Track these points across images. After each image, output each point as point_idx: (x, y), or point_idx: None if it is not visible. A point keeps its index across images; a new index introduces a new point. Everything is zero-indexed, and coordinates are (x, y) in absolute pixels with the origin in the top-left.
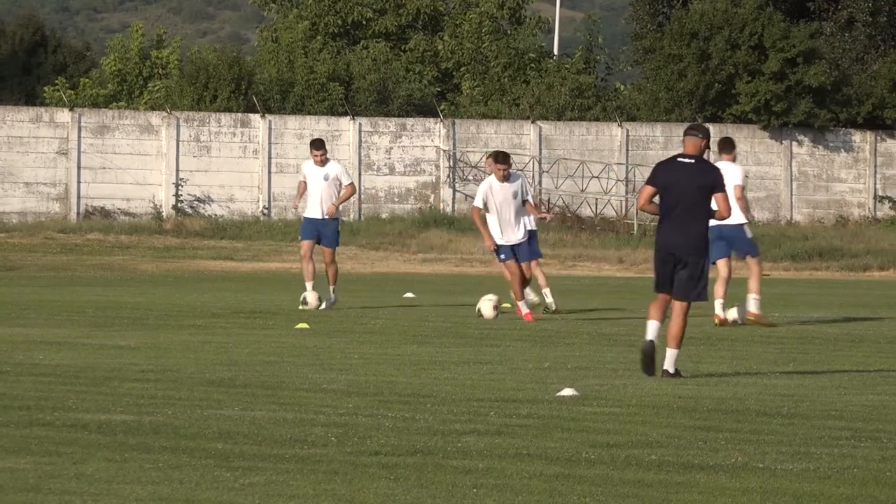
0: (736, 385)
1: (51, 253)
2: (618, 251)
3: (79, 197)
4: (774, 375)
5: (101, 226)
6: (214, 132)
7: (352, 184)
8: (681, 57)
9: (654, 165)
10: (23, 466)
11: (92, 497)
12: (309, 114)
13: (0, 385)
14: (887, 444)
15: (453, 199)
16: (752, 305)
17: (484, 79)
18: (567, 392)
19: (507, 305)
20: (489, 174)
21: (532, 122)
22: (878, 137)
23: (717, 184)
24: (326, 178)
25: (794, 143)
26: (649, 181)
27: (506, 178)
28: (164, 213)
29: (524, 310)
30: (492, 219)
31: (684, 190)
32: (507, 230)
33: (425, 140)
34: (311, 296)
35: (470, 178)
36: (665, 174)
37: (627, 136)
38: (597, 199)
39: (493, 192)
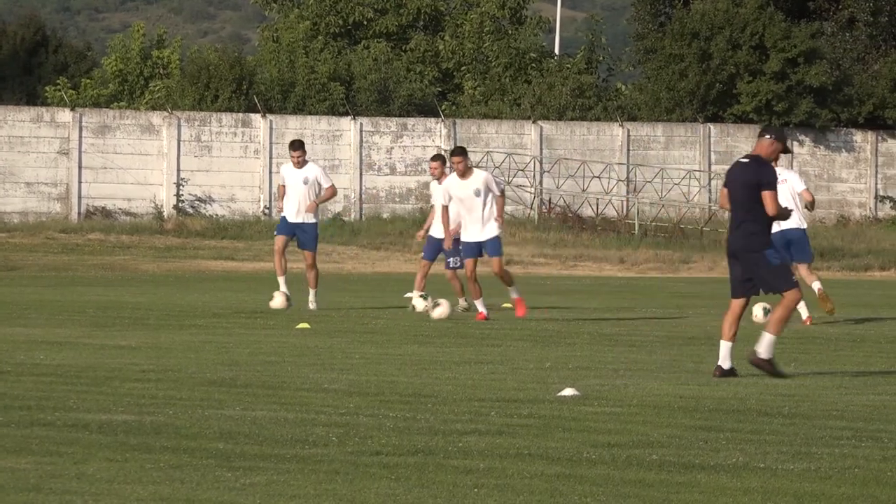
0: (737, 385)
1: (52, 253)
2: (619, 251)
3: (80, 197)
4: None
5: (103, 226)
6: (215, 132)
7: (332, 186)
8: (682, 57)
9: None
10: (24, 466)
11: (93, 497)
12: (310, 114)
13: (1, 385)
14: (888, 444)
15: None
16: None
17: (485, 79)
18: (568, 392)
19: (508, 305)
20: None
21: (533, 122)
22: (880, 137)
23: (762, 182)
24: (306, 182)
25: (795, 143)
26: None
27: (463, 173)
28: (166, 213)
29: (482, 307)
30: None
31: (736, 189)
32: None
33: (426, 140)
34: (277, 295)
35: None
36: (728, 175)
37: (628, 136)
38: (598, 198)
39: (453, 189)
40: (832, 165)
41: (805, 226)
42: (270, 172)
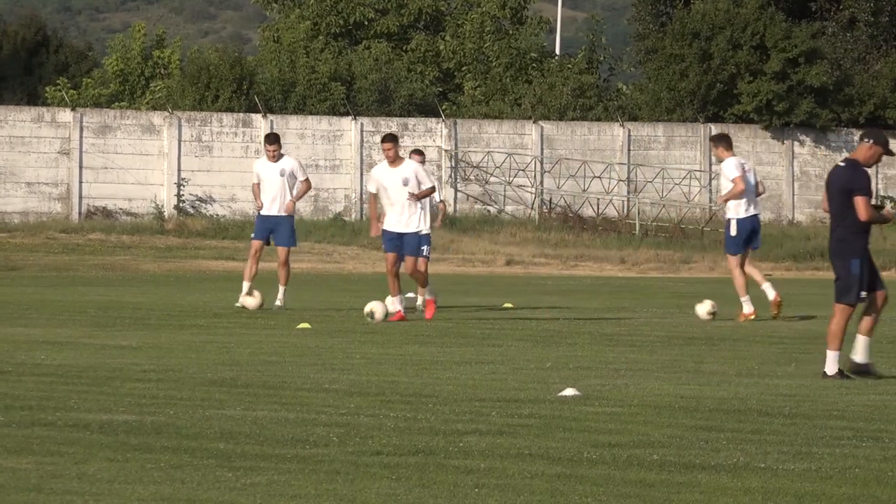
0: (737, 385)
1: (52, 253)
2: (620, 251)
3: (80, 197)
4: (776, 375)
5: (103, 226)
6: (216, 132)
7: (307, 180)
8: (683, 57)
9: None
10: (25, 466)
11: (94, 497)
12: (311, 114)
13: (2, 385)
14: (889, 444)
15: (455, 199)
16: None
17: (486, 79)
18: (569, 392)
19: (509, 305)
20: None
21: (534, 122)
22: None
23: (854, 187)
24: (283, 174)
25: (796, 143)
26: None
27: (394, 161)
28: (166, 213)
29: (394, 307)
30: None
31: (832, 193)
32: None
33: (427, 140)
34: (248, 300)
35: (472, 177)
36: (826, 178)
37: (629, 136)
38: (598, 199)
39: (381, 176)
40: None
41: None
42: None
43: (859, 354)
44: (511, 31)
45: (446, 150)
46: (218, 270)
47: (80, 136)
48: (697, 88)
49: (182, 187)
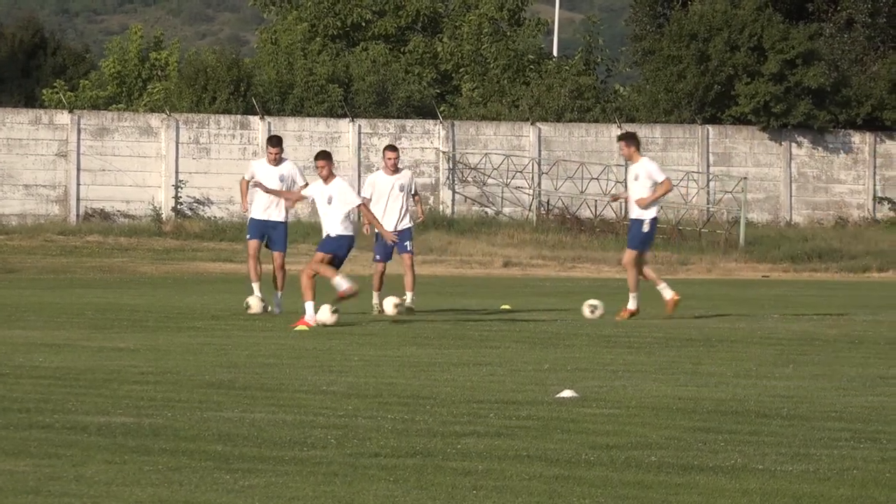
0: (735, 386)
1: (50, 255)
2: (617, 253)
3: (78, 199)
4: (774, 377)
5: (101, 228)
6: (214, 134)
7: (307, 184)
8: (680, 58)
9: None
10: (22, 469)
11: (91, 499)
12: (308, 115)
13: (0, 388)
14: (887, 446)
15: (453, 200)
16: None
17: (483, 80)
18: (567, 394)
19: (507, 307)
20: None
21: (531, 124)
22: (878, 139)
23: None
24: (282, 179)
25: (794, 145)
26: None
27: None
28: (164, 215)
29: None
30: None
31: None
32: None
33: (424, 142)
34: (254, 301)
35: (469, 179)
36: None
37: None
38: (596, 200)
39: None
40: (830, 167)
41: (636, 216)
42: None
43: None
44: (509, 33)
45: (444, 152)
46: (216, 272)
47: (78, 139)
48: (695, 90)
49: (180, 189)
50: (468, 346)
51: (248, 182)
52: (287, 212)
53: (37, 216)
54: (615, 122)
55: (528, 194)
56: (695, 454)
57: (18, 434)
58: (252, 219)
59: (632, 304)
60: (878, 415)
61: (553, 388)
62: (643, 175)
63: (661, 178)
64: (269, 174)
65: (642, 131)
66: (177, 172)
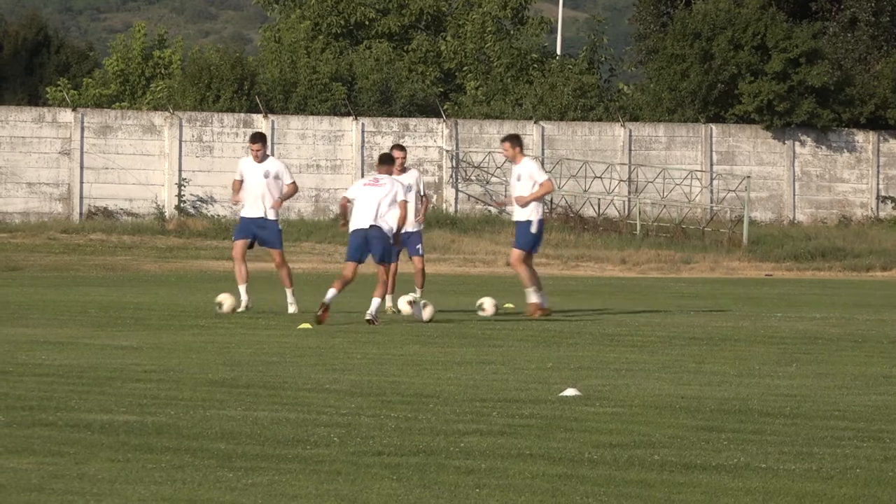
0: (738, 385)
1: (53, 253)
2: (620, 251)
3: (81, 197)
4: (777, 376)
5: (104, 226)
6: (217, 132)
7: (294, 183)
8: (684, 57)
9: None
10: (26, 466)
11: (95, 497)
12: (312, 114)
13: (3, 385)
14: (890, 445)
15: (456, 199)
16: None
17: (487, 79)
18: (570, 392)
19: (510, 306)
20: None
21: (535, 123)
22: (881, 138)
23: None
24: (266, 176)
25: (797, 143)
26: None
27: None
28: (167, 214)
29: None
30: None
31: None
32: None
33: (428, 140)
34: (225, 298)
35: (473, 178)
36: None
37: (630, 136)
38: (599, 199)
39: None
40: (834, 166)
41: (522, 217)
42: None
43: None
44: (512, 32)
45: (447, 151)
46: (219, 271)
47: (81, 137)
48: (698, 89)
49: (183, 187)
50: (471, 345)
51: (240, 182)
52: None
53: (40, 214)
54: (619, 121)
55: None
56: (698, 453)
57: (22, 432)
58: (242, 217)
59: (534, 299)
60: (881, 414)
61: (556, 386)
62: (525, 175)
63: (541, 178)
64: (254, 171)
65: (646, 130)
66: (180, 171)
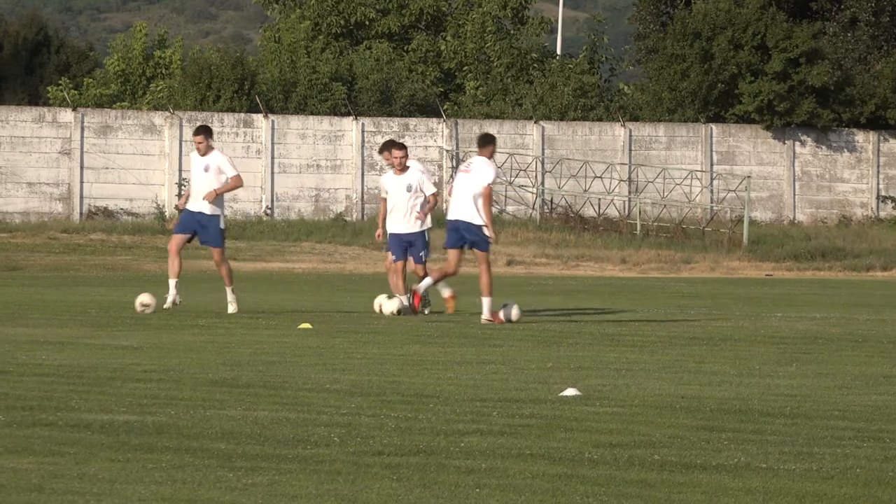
0: (738, 385)
1: (54, 253)
2: (620, 251)
3: (82, 197)
4: (777, 375)
5: (104, 226)
6: (217, 132)
7: (238, 176)
8: (684, 57)
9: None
10: (25, 466)
11: (95, 497)
12: (312, 114)
13: (3, 385)
14: (890, 445)
15: None
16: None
17: (487, 79)
18: (570, 392)
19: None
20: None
21: (535, 123)
22: (881, 137)
23: None
24: (206, 170)
25: (797, 143)
26: None
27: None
28: (167, 213)
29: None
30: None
31: None
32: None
33: (428, 140)
34: (145, 297)
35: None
36: None
37: (630, 136)
38: (600, 199)
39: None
40: (834, 165)
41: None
42: (272, 173)
43: None
44: (512, 32)
45: (447, 150)
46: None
47: (82, 137)
48: (699, 88)
49: (183, 187)
50: (471, 345)
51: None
52: (220, 205)
53: (40, 214)
54: (619, 121)
55: (532, 193)
56: (698, 453)
57: (22, 432)
58: (185, 211)
59: (446, 293)
60: (881, 413)
61: (556, 386)
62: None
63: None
64: (195, 165)
65: (646, 130)
66: (180, 170)
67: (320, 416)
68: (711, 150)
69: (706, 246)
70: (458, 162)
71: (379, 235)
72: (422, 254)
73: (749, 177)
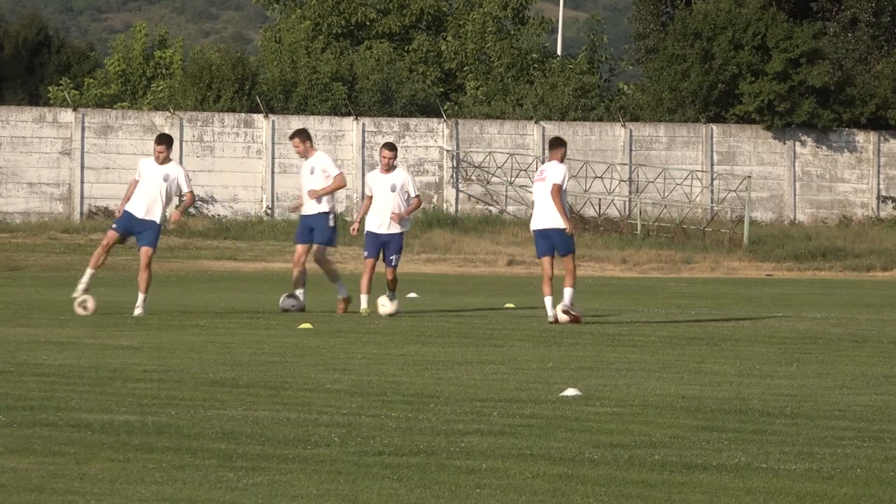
0: (739, 385)
1: (54, 253)
2: (621, 251)
3: (82, 197)
4: (777, 375)
5: (105, 226)
6: (218, 132)
7: (192, 192)
8: (684, 57)
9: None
10: (26, 466)
11: (95, 497)
12: (312, 114)
13: (4, 385)
14: (890, 445)
15: (456, 199)
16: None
17: (487, 79)
18: (570, 392)
19: (511, 306)
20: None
21: (535, 123)
22: (882, 138)
23: None
24: (166, 179)
25: (798, 144)
26: None
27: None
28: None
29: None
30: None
31: None
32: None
33: (428, 140)
34: (88, 296)
35: (473, 178)
36: None
37: (631, 136)
38: (600, 199)
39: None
40: (834, 166)
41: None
42: (273, 173)
43: None
44: (513, 32)
45: (448, 151)
46: (219, 271)
47: (82, 137)
48: (699, 89)
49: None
50: (472, 345)
51: (136, 181)
52: (162, 213)
53: (41, 214)
54: (619, 121)
55: (532, 193)
56: (698, 453)
57: (22, 432)
58: (125, 212)
59: (342, 293)
60: (881, 413)
61: (557, 386)
62: (317, 169)
63: (334, 172)
64: (153, 172)
65: (646, 130)
66: None
67: (321, 417)
68: (712, 151)
69: (707, 246)
70: (459, 162)
71: (354, 230)
72: (393, 257)
73: (749, 177)
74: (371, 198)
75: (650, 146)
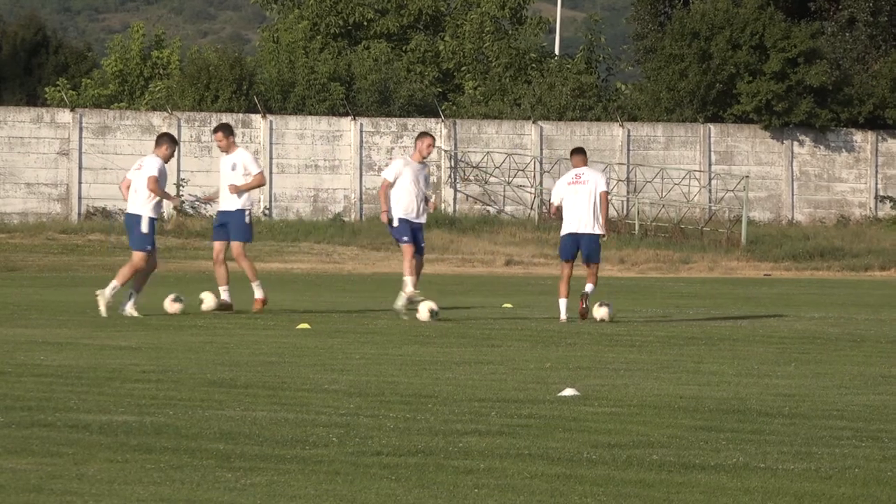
0: (737, 385)
1: (52, 253)
2: (619, 251)
3: (80, 197)
4: (775, 375)
5: (103, 226)
6: None
7: (261, 173)
8: (682, 57)
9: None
10: (24, 467)
11: (93, 497)
12: (310, 114)
13: (2, 385)
14: (888, 444)
15: (454, 199)
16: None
17: (485, 79)
18: (568, 392)
19: (509, 306)
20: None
21: (533, 123)
22: (880, 137)
23: None
24: (234, 168)
25: (796, 143)
26: None
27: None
28: (166, 214)
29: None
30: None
31: None
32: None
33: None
34: (169, 302)
35: (471, 178)
36: None
37: (629, 136)
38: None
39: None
40: (832, 165)
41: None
42: (271, 173)
43: None
44: (510, 32)
45: (446, 151)
46: None
47: (80, 137)
48: (697, 88)
49: (181, 188)
50: (470, 345)
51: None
52: (148, 207)
53: (39, 214)
54: (617, 121)
55: (530, 193)
56: (696, 453)
57: (20, 432)
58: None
59: (259, 294)
60: (879, 413)
61: (555, 386)
62: (238, 166)
63: (255, 170)
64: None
65: (644, 130)
66: (178, 171)
67: (319, 417)
68: (710, 150)
69: (704, 246)
70: (456, 162)
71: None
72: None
73: (747, 177)
74: (391, 184)
75: (648, 146)
